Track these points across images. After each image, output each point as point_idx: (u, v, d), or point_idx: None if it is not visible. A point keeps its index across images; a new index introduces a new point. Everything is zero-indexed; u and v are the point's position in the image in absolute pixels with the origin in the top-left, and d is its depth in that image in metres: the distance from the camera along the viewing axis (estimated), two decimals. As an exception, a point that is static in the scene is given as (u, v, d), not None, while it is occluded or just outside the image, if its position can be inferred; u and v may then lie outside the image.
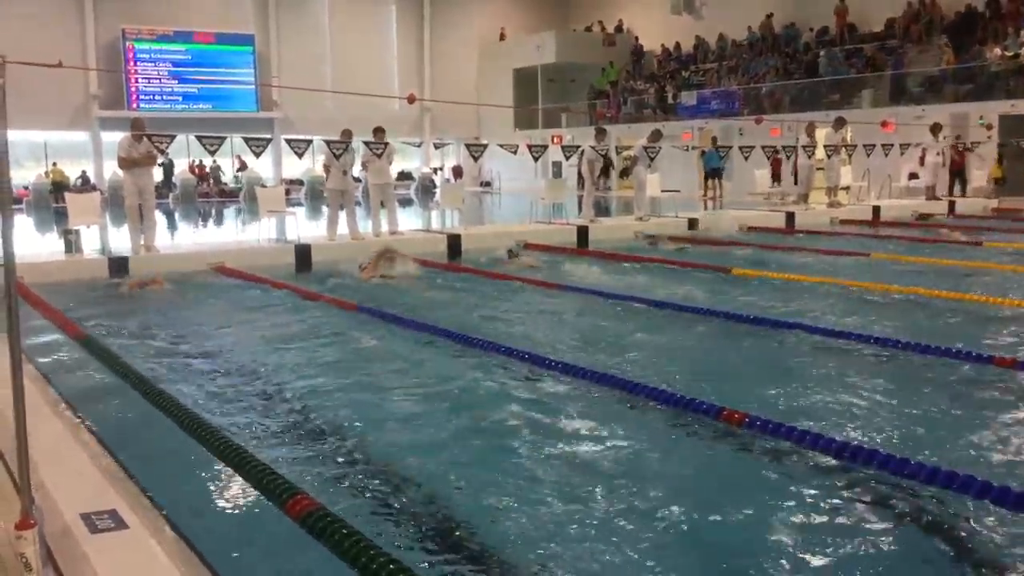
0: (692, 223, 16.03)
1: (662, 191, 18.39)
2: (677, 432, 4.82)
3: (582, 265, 12.03)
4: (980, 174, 21.15)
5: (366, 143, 13.30)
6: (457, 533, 3.54)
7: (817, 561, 3.27)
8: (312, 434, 4.81)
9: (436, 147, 15.80)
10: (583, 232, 14.71)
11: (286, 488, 3.48)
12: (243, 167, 33.80)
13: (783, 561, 3.28)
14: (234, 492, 3.93)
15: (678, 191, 22.70)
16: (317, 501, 3.32)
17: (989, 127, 21.64)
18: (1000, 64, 23.04)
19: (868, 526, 3.57)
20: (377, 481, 4.11)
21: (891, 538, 3.48)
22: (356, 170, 13.96)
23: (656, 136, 16.46)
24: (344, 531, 2.99)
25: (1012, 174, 21.60)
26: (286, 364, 6.40)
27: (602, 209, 17.05)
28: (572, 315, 8.35)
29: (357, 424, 4.93)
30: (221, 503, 3.90)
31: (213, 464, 4.13)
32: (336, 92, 21.29)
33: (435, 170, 36.41)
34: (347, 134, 13.05)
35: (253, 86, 35.30)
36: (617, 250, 13.08)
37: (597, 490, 3.96)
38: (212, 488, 4.04)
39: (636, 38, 37.00)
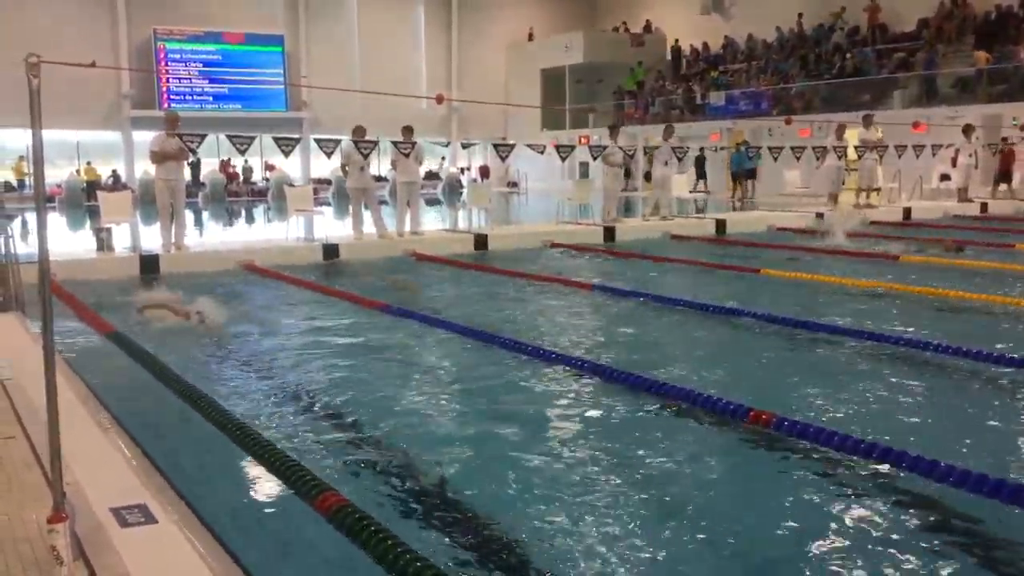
0: (720, 224, 15.93)
1: (690, 192, 18.33)
2: (705, 433, 4.79)
3: (609, 264, 12.00)
4: (1014, 175, 20.84)
5: (394, 143, 13.35)
6: (485, 531, 3.54)
7: (844, 563, 3.24)
8: (342, 430, 4.83)
9: (464, 147, 15.77)
10: (610, 232, 14.67)
11: (315, 484, 3.49)
12: (271, 168, 34.03)
13: (806, 564, 3.25)
14: (263, 488, 3.94)
15: (709, 192, 22.60)
16: (345, 498, 3.33)
17: (1023, 128, 21.31)
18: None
19: (911, 533, 3.52)
20: (404, 478, 4.11)
21: (929, 543, 3.43)
22: (382, 168, 14.00)
23: (669, 132, 16.32)
24: (372, 528, 3.00)
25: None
26: (313, 363, 6.43)
27: (626, 209, 16.98)
28: (605, 314, 8.34)
29: (387, 420, 4.95)
30: (250, 498, 3.92)
31: (242, 459, 4.16)
32: (364, 92, 21.34)
33: (462, 170, 36.46)
34: (360, 131, 13.08)
35: (282, 86, 35.52)
36: (645, 251, 13.03)
37: (620, 486, 3.94)
38: (241, 483, 4.07)
39: (676, 40, 36.79)
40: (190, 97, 34.85)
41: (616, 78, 37.03)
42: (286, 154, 13.22)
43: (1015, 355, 6.01)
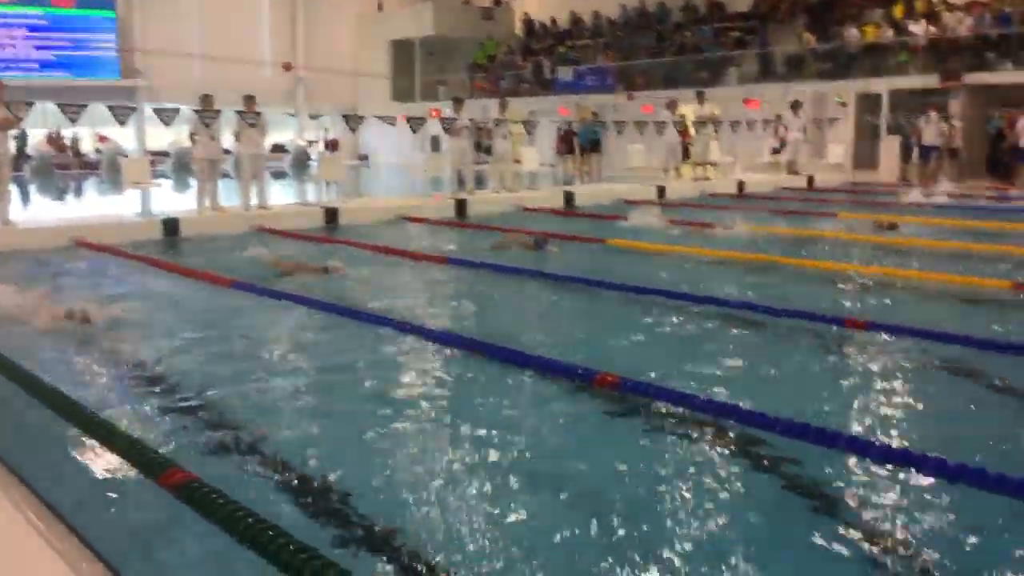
0: (568, 197, 16.29)
1: (540, 165, 18.63)
2: (555, 395, 4.96)
3: (461, 236, 12.09)
4: (837, 150, 22.24)
5: (239, 112, 12.91)
6: (340, 503, 3.57)
7: (689, 509, 3.46)
8: (189, 408, 4.71)
9: (312, 117, 15.41)
10: (461, 205, 14.76)
11: (159, 461, 3.42)
12: (104, 139, 32.16)
13: (654, 514, 3.46)
14: (104, 465, 3.82)
15: (554, 166, 23.02)
16: (191, 472, 3.28)
17: (844, 104, 22.77)
18: (857, 44, 24.24)
19: (740, 480, 3.79)
20: (254, 453, 4.07)
21: (760, 490, 3.71)
22: (227, 140, 13.53)
23: (504, 106, 16.48)
24: (220, 500, 2.98)
25: (863, 151, 22.83)
26: (156, 341, 6.22)
27: (478, 183, 17.10)
28: (458, 286, 8.43)
29: (235, 397, 4.87)
30: (92, 477, 3.79)
31: (83, 440, 4.02)
32: (203, 57, 20.44)
33: (310, 143, 35.59)
34: (208, 100, 12.63)
35: (115, 53, 33.55)
36: (496, 223, 13.19)
37: (476, 453, 4.05)
38: (83, 463, 3.92)
39: (526, 14, 37.03)
40: (14, 64, 32.36)
41: (467, 51, 36.98)
42: (121, 123, 12.57)
43: (836, 315, 6.50)
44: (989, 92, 21.24)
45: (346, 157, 22.31)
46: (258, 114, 12.96)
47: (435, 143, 16.99)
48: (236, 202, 13.28)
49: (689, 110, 18.62)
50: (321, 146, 35.11)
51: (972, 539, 3.24)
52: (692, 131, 19.40)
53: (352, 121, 14.57)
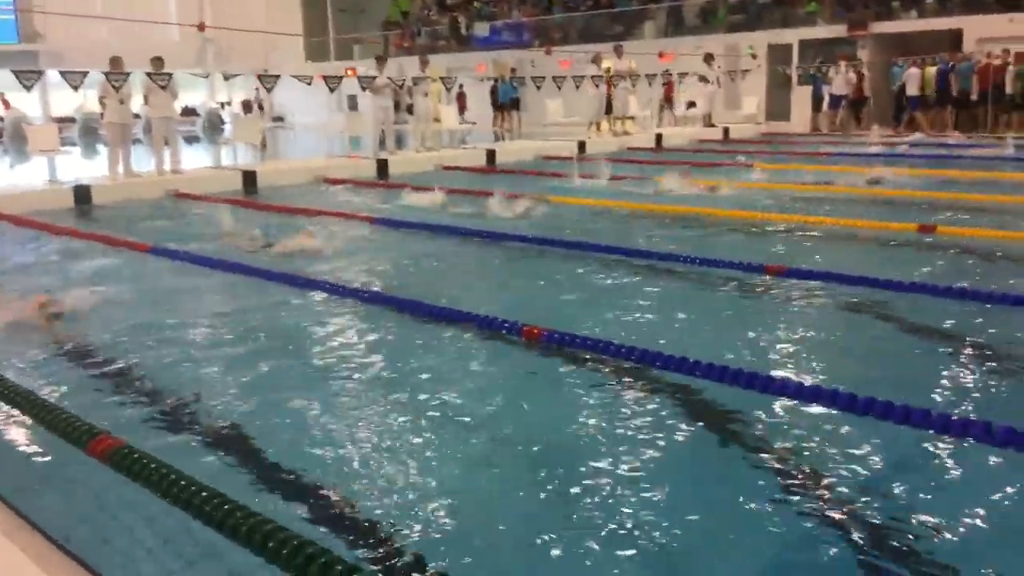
0: (490, 154, 16.28)
1: (460, 123, 18.55)
2: (479, 348, 5.04)
3: (382, 196, 12.00)
4: (750, 100, 22.67)
5: (148, 74, 12.51)
6: (269, 462, 3.59)
7: (612, 454, 3.58)
8: (114, 374, 4.64)
9: (225, 79, 14.97)
10: (382, 165, 14.63)
11: (87, 429, 3.37)
12: (6, 105, 30.72)
13: (582, 457, 3.57)
14: (30, 437, 3.76)
15: (474, 123, 22.92)
16: (119, 439, 3.25)
17: (755, 56, 23.17)
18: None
19: (656, 422, 3.93)
20: (181, 417, 4.06)
21: (675, 431, 3.85)
22: (136, 104, 13.11)
23: (425, 63, 16.33)
24: (151, 464, 2.96)
25: (776, 101, 23.32)
26: (77, 309, 6.07)
27: (399, 142, 16.95)
28: (382, 245, 8.40)
29: (160, 362, 4.81)
30: (19, 450, 3.73)
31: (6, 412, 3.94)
32: (107, 19, 19.65)
33: (223, 104, 34.61)
34: (117, 63, 12.21)
35: (12, 14, 31.95)
36: (417, 182, 13.13)
37: (409, 409, 4.11)
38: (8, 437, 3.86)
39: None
40: (-101, 28, 30.65)
41: (381, 7, 36.34)
42: (27, 88, 12.04)
43: (749, 261, 6.70)
44: (895, 41, 21.86)
45: (262, 119, 21.83)
46: (168, 76, 12.58)
47: (352, 103, 16.75)
48: (149, 167, 12.93)
49: (608, 64, 18.71)
50: (237, 108, 34.23)
51: (881, 469, 3.43)
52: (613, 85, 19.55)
53: (266, 81, 14.24)
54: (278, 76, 14.76)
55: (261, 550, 2.46)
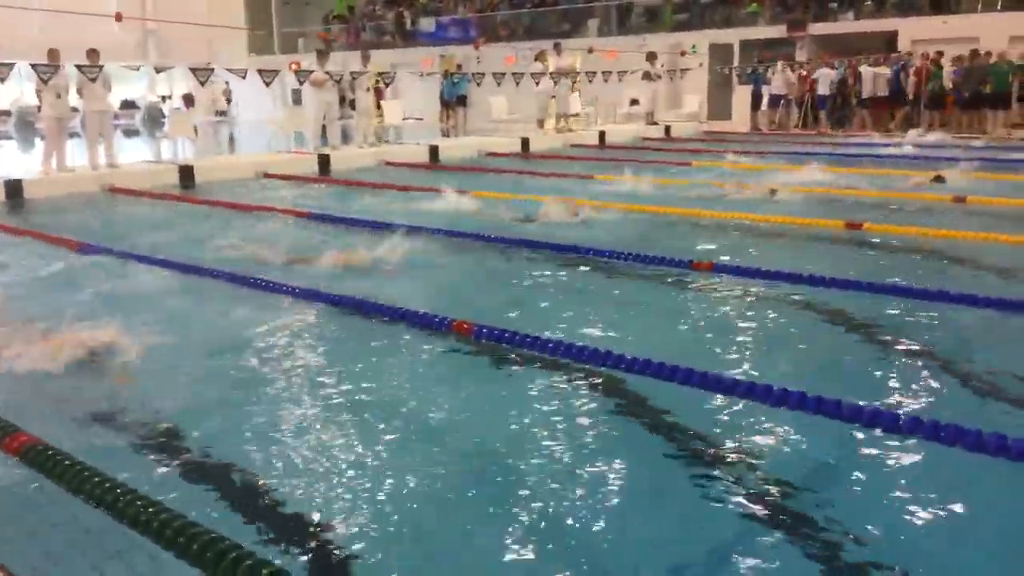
0: (433, 150, 16.28)
1: (404, 119, 18.51)
2: (412, 344, 5.07)
3: (324, 192, 11.95)
4: (692, 99, 22.97)
5: (78, 67, 12.27)
6: (206, 462, 3.59)
7: (537, 440, 3.65)
8: (43, 372, 4.57)
9: (158, 71, 14.66)
10: (324, 160, 14.54)
11: (2, 427, 3.34)
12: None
13: (515, 452, 3.63)
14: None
15: (420, 119, 22.86)
16: (35, 436, 3.23)
17: (684, 55, 23.54)
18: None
19: (585, 416, 4.00)
20: (114, 418, 4.03)
21: (615, 426, 3.93)
22: (73, 97, 12.84)
23: (367, 59, 16.23)
24: (66, 461, 2.96)
25: (717, 100, 23.66)
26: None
27: (344, 137, 16.83)
28: (321, 242, 8.35)
29: (92, 358, 4.75)
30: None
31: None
32: (39, 10, 19.13)
33: (163, 98, 33.98)
34: (54, 55, 11.96)
35: (-62, 3, 30.96)
36: (359, 178, 13.10)
37: (344, 404, 4.13)
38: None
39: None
40: None
41: (327, 1, 36.01)
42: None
43: (689, 258, 6.82)
44: (833, 41, 22.33)
45: (202, 113, 21.44)
46: (99, 68, 12.34)
47: (297, 97, 16.60)
48: (84, 162, 12.69)
49: (549, 61, 18.80)
50: (178, 101, 33.61)
51: (811, 463, 3.55)
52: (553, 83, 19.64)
53: (201, 74, 14.03)
54: (213, 69, 14.55)
55: (171, 545, 2.48)
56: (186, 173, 12.87)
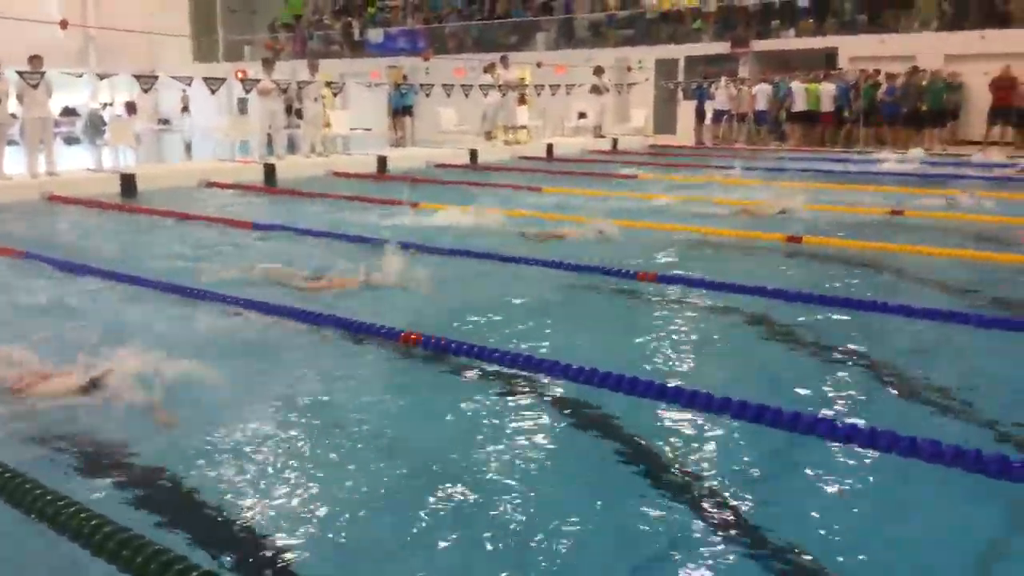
0: (381, 161, 16.23)
1: (351, 129, 18.44)
2: (359, 354, 5.06)
3: (268, 202, 11.85)
4: (638, 113, 23.26)
5: (19, 73, 12.00)
6: (158, 478, 3.54)
7: (495, 454, 3.67)
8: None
9: (100, 78, 14.41)
10: (270, 169, 14.41)
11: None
12: None
13: (468, 463, 3.65)
14: None
15: (369, 129, 22.81)
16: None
17: (631, 70, 23.92)
18: (654, 11, 25.33)
19: (532, 425, 4.04)
20: (64, 430, 3.95)
21: (557, 434, 3.97)
22: (12, 104, 12.54)
23: (314, 68, 16.10)
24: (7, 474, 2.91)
25: (662, 115, 24.00)
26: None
27: (291, 147, 16.69)
28: (263, 251, 8.29)
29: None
30: None
31: None
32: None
33: (104, 105, 33.36)
34: None
35: None
36: (305, 188, 13.01)
37: (289, 415, 4.10)
38: None
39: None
40: None
41: (272, 9, 35.73)
42: None
43: (635, 270, 6.91)
44: (774, 58, 22.82)
45: (144, 121, 21.12)
46: (40, 74, 12.10)
47: (242, 106, 16.42)
48: (23, 169, 12.40)
49: (498, 74, 18.89)
50: (120, 109, 33.03)
51: (752, 470, 3.63)
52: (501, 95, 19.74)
53: (144, 82, 13.81)
54: (156, 76, 14.34)
55: (98, 551, 2.45)
56: (128, 181, 12.65)
